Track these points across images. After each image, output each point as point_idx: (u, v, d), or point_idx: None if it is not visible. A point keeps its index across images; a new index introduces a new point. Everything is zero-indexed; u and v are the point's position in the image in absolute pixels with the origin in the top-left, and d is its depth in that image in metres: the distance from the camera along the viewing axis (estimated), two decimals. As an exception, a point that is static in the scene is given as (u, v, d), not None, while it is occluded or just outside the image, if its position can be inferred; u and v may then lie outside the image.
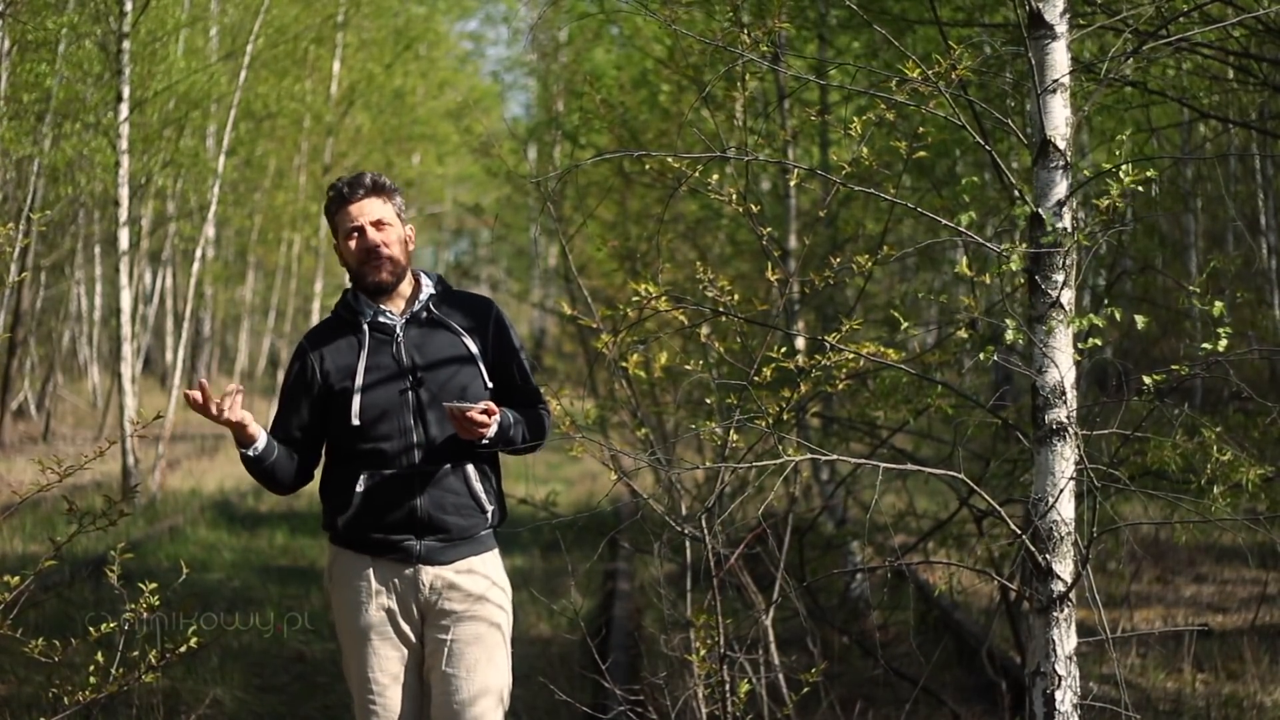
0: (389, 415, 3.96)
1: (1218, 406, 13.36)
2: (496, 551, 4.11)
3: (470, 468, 3.99)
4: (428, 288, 4.11)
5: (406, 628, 4.00)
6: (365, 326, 4.04)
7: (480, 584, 4.00)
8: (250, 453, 3.96)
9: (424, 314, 4.07)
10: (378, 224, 4.02)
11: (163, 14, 14.71)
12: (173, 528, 11.89)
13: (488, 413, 3.86)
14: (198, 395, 3.79)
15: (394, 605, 3.98)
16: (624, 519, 10.29)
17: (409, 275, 4.11)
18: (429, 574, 3.97)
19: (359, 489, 3.96)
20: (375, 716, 3.98)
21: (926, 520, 8.11)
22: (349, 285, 4.17)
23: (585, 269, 13.44)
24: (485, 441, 3.93)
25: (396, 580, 3.98)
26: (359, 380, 3.97)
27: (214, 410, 3.82)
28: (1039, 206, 3.95)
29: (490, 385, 4.05)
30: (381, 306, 4.06)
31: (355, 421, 3.95)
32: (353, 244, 4.02)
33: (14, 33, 12.95)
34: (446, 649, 3.97)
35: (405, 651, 4.01)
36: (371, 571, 3.99)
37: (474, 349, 4.04)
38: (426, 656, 4.01)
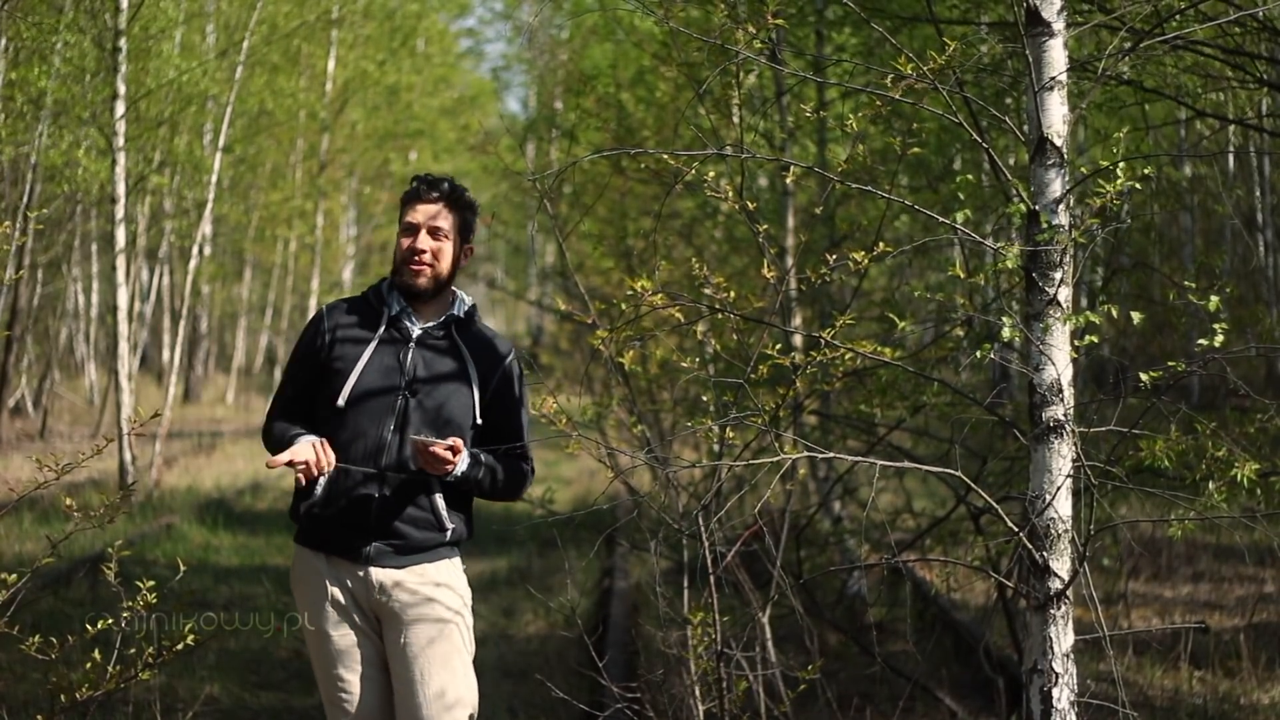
0: (373, 413, 3.94)
1: (1214, 403, 13.38)
2: (456, 560, 4.06)
3: (438, 486, 3.96)
4: (458, 309, 4.10)
5: (363, 625, 3.98)
6: (385, 321, 4.04)
7: (435, 591, 3.97)
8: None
9: (442, 332, 4.06)
10: (434, 231, 4.02)
11: (157, 11, 14.69)
12: (169, 525, 11.88)
13: (453, 450, 3.84)
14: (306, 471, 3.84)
15: (348, 603, 3.97)
16: (621, 517, 10.29)
17: (448, 292, 4.10)
18: (378, 575, 3.95)
19: (322, 479, 3.94)
20: (342, 714, 3.98)
21: (924, 518, 8.12)
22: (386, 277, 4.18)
23: (582, 267, 13.44)
24: (450, 480, 3.92)
25: (349, 580, 3.96)
26: (358, 368, 3.96)
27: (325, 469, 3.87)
28: (1036, 204, 3.95)
29: (479, 421, 4.03)
30: (408, 309, 4.05)
31: (340, 403, 3.93)
32: (404, 241, 4.03)
33: (10, 30, 12.93)
34: (401, 654, 3.95)
35: (366, 647, 3.99)
36: (325, 570, 3.98)
37: (475, 382, 4.02)
38: (389, 660, 4.00)
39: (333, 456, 3.87)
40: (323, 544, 3.98)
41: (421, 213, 4.03)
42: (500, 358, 4.09)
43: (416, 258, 4.00)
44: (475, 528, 4.13)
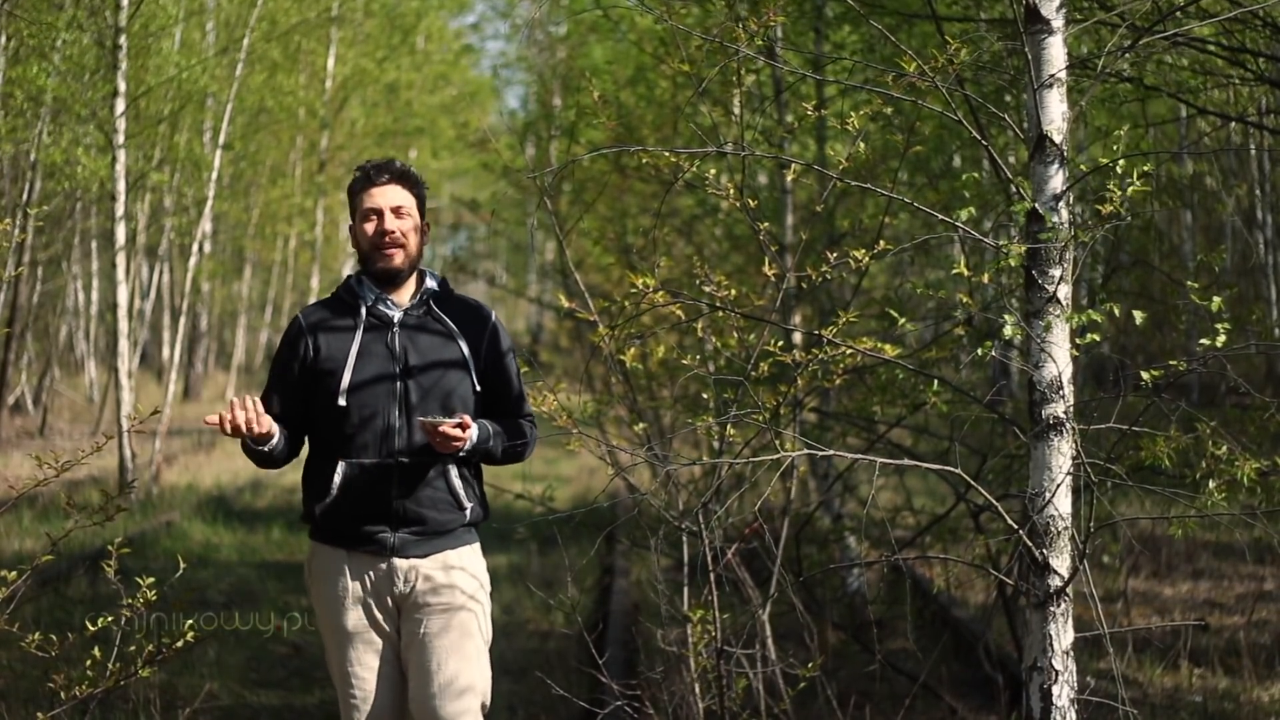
0: (374, 404, 3.95)
1: (1214, 401, 13.38)
2: (476, 546, 4.09)
3: (451, 465, 3.98)
4: (430, 285, 4.11)
5: (383, 621, 4.00)
6: (363, 312, 4.04)
7: (455, 577, 4.00)
8: (265, 449, 3.96)
9: (422, 310, 4.07)
10: (397, 211, 4.04)
11: (157, 8, 14.68)
12: (169, 523, 11.88)
13: (462, 426, 3.86)
14: (231, 421, 3.82)
15: (370, 599, 3.98)
16: (621, 514, 10.28)
17: (417, 271, 4.12)
18: (403, 567, 3.96)
19: (337, 478, 3.96)
20: (356, 711, 3.99)
21: (924, 515, 8.12)
22: (353, 271, 4.18)
23: (582, 264, 13.43)
24: (462, 454, 3.94)
25: (371, 574, 3.98)
26: (350, 363, 3.97)
27: (254, 429, 3.85)
28: (1036, 201, 3.95)
29: (479, 389, 4.05)
30: (383, 295, 4.06)
31: (341, 402, 3.94)
32: (369, 227, 4.03)
33: (10, 28, 12.93)
34: (418, 641, 3.97)
35: (383, 644, 4.01)
36: (347, 566, 3.99)
37: (466, 352, 4.04)
38: (402, 649, 4.02)
39: (264, 418, 3.86)
40: (344, 539, 3.99)
41: (379, 196, 4.04)
42: (484, 321, 4.11)
43: (388, 239, 4.01)
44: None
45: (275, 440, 3.97)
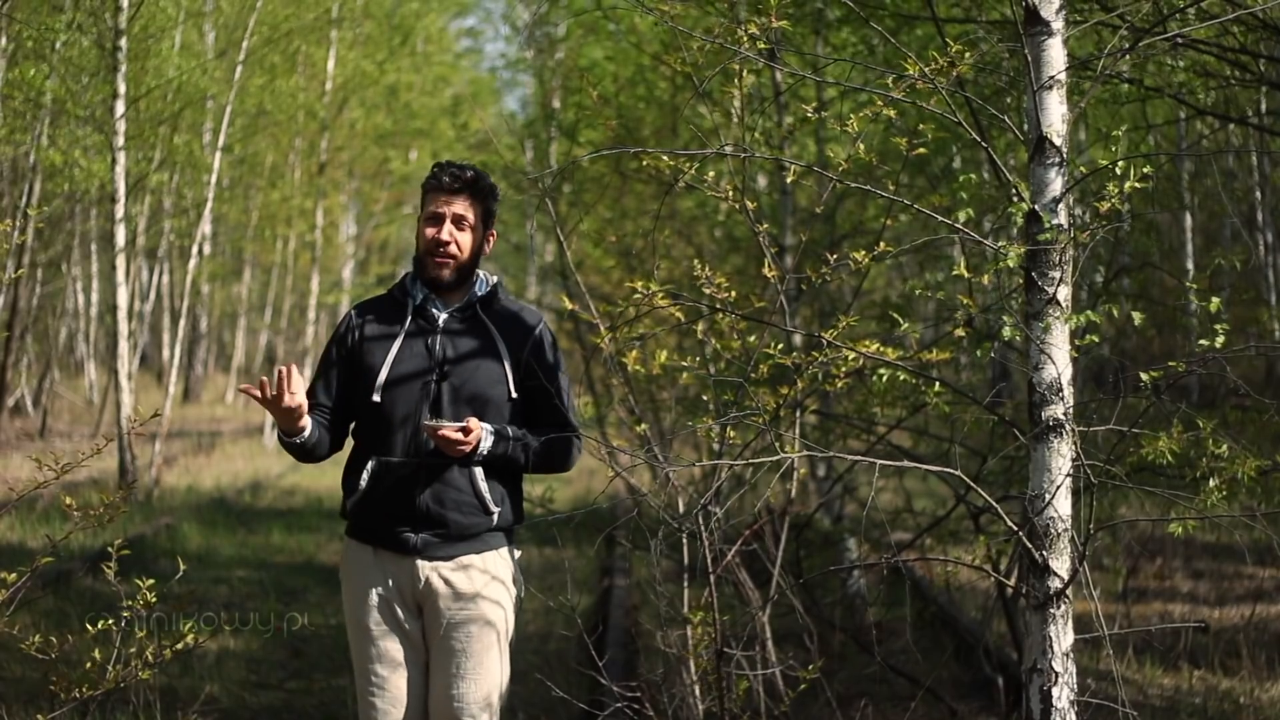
0: (407, 403, 3.97)
1: (1213, 403, 13.38)
2: (504, 551, 4.08)
3: (478, 468, 3.98)
4: (480, 289, 4.11)
5: (405, 620, 4.01)
6: (410, 312, 4.06)
7: (478, 580, 4.00)
8: (298, 440, 3.98)
9: (467, 313, 4.08)
10: (459, 222, 4.04)
11: (156, 10, 14.69)
12: (169, 525, 11.88)
13: (465, 431, 3.86)
14: (260, 389, 3.82)
15: (393, 596, 4.00)
16: (621, 516, 10.29)
17: (473, 275, 4.12)
18: (424, 568, 3.98)
19: (366, 474, 3.98)
20: (374, 709, 4.00)
21: (924, 517, 8.12)
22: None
23: (582, 266, 13.43)
24: (478, 459, 3.94)
25: (395, 571, 4.00)
26: (389, 361, 3.99)
27: (285, 401, 3.84)
28: (1035, 203, 3.95)
29: (514, 396, 4.04)
30: (432, 296, 4.07)
31: (376, 399, 3.97)
32: (429, 232, 4.05)
33: (10, 30, 12.93)
34: (439, 645, 4.00)
35: (404, 643, 4.02)
36: (373, 562, 4.01)
37: (505, 359, 4.03)
38: (427, 643, 4.03)
39: (296, 395, 3.85)
40: (371, 536, 4.02)
41: (445, 203, 4.04)
42: (529, 329, 4.11)
43: (442, 249, 4.02)
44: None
45: (308, 433, 3.98)
